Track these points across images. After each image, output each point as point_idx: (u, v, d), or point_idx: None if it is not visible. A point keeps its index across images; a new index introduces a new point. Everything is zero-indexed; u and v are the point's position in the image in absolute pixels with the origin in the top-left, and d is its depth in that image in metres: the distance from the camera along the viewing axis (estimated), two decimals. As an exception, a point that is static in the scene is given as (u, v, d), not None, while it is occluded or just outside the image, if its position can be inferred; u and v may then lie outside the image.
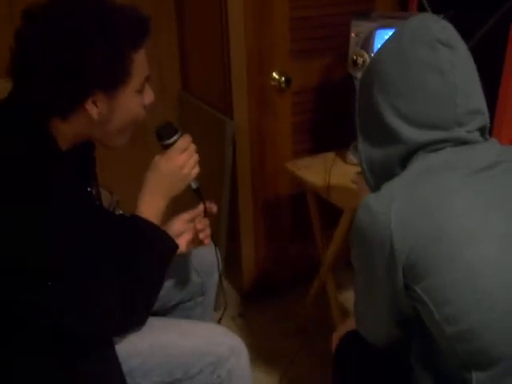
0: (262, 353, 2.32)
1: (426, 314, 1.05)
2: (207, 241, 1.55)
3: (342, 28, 2.15)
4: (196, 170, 1.44)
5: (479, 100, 1.15)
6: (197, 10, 2.46)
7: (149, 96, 1.34)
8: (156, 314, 1.67)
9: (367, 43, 1.94)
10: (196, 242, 1.57)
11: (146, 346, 1.39)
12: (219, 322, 1.74)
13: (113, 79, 1.20)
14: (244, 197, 2.45)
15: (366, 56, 1.92)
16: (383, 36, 1.87)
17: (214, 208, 1.57)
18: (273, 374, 2.22)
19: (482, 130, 1.15)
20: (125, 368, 1.34)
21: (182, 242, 1.52)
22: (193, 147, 1.44)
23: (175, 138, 1.42)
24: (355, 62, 1.94)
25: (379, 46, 1.21)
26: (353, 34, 1.99)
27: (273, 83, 2.29)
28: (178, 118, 2.72)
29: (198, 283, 1.72)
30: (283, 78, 2.27)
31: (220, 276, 1.73)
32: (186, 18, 2.57)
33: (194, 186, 1.49)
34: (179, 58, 2.69)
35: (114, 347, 1.33)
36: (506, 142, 2.03)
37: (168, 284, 1.61)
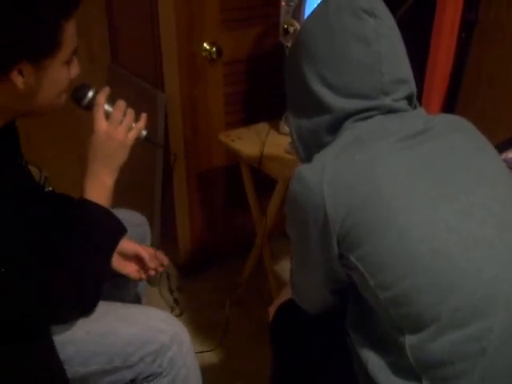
0: (200, 325, 2.33)
1: (361, 282, 1.06)
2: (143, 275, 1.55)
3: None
4: (134, 133, 1.37)
5: (405, 69, 1.16)
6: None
7: (75, 69, 1.26)
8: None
9: (298, 12, 1.93)
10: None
11: (83, 333, 1.32)
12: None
13: (41, 48, 1.12)
14: (178, 169, 2.43)
15: (297, 25, 1.91)
16: (313, 4, 1.86)
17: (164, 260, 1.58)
18: (211, 346, 2.22)
19: (409, 99, 1.17)
20: (62, 356, 1.28)
21: (131, 266, 1.53)
22: (120, 108, 1.37)
23: (90, 94, 1.36)
24: (286, 31, 1.93)
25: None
26: (283, 3, 1.98)
27: (204, 54, 2.25)
28: (109, 91, 2.66)
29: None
30: (214, 49, 2.24)
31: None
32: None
33: (142, 135, 1.42)
34: (108, 30, 2.61)
35: (50, 335, 1.27)
36: (435, 112, 2.07)
37: None
